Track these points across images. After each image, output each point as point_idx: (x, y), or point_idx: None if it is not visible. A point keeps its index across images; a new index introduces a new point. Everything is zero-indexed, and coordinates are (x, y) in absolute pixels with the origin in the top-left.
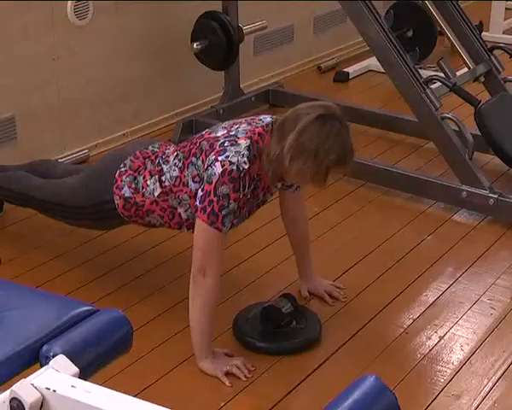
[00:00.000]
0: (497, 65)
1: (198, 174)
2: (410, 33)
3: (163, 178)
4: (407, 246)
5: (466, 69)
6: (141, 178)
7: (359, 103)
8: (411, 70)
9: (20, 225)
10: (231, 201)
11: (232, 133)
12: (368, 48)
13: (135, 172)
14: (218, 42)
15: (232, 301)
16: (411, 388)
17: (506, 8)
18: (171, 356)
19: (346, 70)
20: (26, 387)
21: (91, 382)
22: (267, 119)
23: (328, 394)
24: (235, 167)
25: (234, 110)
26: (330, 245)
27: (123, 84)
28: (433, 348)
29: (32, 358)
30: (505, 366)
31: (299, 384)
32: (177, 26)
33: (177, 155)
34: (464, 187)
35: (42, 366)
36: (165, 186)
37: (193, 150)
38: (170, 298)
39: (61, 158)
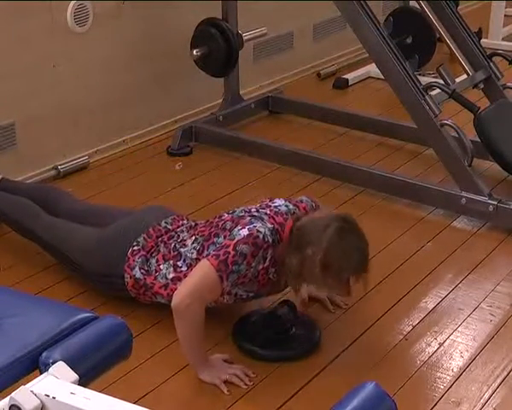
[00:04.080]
0: (497, 71)
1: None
2: (409, 40)
3: (179, 264)
4: (406, 252)
5: (465, 76)
6: (153, 260)
7: (359, 110)
8: (411, 77)
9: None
10: (245, 263)
11: (256, 214)
12: (367, 55)
13: (147, 253)
14: (218, 49)
15: (232, 307)
16: (411, 394)
17: (505, 15)
18: (171, 363)
19: (345, 77)
20: (26, 394)
21: (91, 389)
22: (282, 207)
23: (327, 400)
24: (261, 235)
25: (234, 117)
26: None
27: (122, 90)
28: (432, 354)
29: (32, 365)
30: (505, 373)
31: (298, 391)
32: (177, 32)
33: (195, 240)
34: (463, 194)
35: (41, 372)
36: (181, 271)
37: (213, 232)
38: (168, 306)
39: (61, 164)
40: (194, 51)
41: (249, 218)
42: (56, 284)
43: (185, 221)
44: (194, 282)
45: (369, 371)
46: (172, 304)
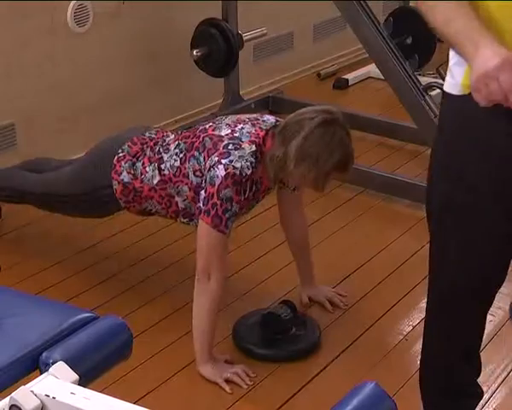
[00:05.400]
0: None
1: (200, 169)
2: (409, 40)
3: (162, 166)
4: (407, 252)
5: None
6: (139, 164)
7: (359, 110)
8: (410, 77)
9: (19, 232)
10: (234, 203)
11: (236, 135)
12: (367, 55)
13: (133, 157)
14: (218, 49)
15: (232, 307)
16: (411, 394)
17: None
18: (171, 363)
19: (345, 77)
20: (26, 394)
21: (91, 389)
22: (270, 120)
23: (327, 400)
24: (238, 172)
25: None
26: (330, 252)
27: (123, 90)
28: None
29: (32, 365)
30: (505, 374)
31: (298, 391)
32: (177, 33)
33: (178, 145)
34: None
35: (41, 372)
36: (165, 175)
37: (196, 144)
38: (169, 305)
39: None
40: (195, 51)
41: (227, 141)
42: (57, 284)
43: (169, 132)
44: (203, 252)
45: (369, 371)
46: (196, 279)
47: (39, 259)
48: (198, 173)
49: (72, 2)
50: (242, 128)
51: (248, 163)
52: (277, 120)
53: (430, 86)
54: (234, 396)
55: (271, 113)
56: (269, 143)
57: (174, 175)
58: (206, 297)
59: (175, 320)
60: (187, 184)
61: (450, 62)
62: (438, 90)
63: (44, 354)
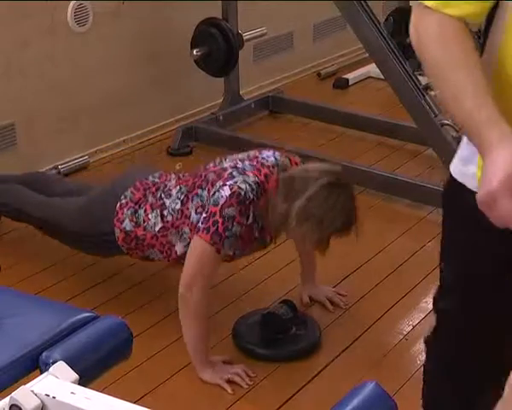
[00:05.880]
0: None
1: (202, 205)
2: (409, 40)
3: (165, 213)
4: (407, 252)
5: None
6: (142, 211)
7: (359, 110)
8: (411, 77)
9: (18, 233)
10: (235, 223)
11: (239, 166)
12: (367, 54)
13: (136, 204)
14: (218, 49)
15: (232, 307)
16: (411, 394)
17: None
18: (172, 363)
19: (345, 76)
20: (26, 393)
21: (91, 388)
22: (270, 158)
23: (328, 400)
24: (242, 192)
25: (234, 117)
26: (329, 252)
27: (123, 90)
28: None
29: (32, 364)
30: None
31: (298, 391)
32: (177, 32)
33: (180, 189)
34: None
35: (42, 372)
36: (167, 221)
37: (198, 183)
38: (169, 305)
39: (61, 164)
40: (195, 51)
41: (230, 170)
42: (56, 284)
43: (173, 175)
44: (193, 265)
45: (369, 371)
46: (179, 293)
47: (39, 259)
48: (199, 210)
49: (72, 2)
50: (244, 162)
51: (253, 188)
52: (276, 158)
53: (430, 86)
54: (234, 396)
55: (271, 112)
56: (272, 183)
57: (176, 219)
58: (191, 313)
59: (175, 320)
60: (188, 224)
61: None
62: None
63: (44, 354)
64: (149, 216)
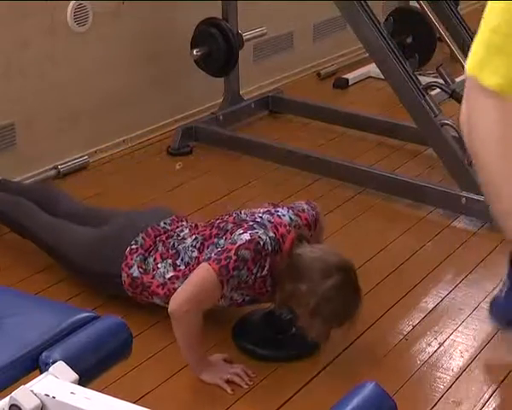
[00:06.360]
0: None
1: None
2: (409, 40)
3: (178, 262)
4: (406, 252)
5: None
6: (151, 259)
7: (359, 110)
8: (411, 77)
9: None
10: (246, 268)
11: (259, 220)
12: (367, 54)
13: (145, 251)
14: (218, 49)
15: (232, 307)
16: (411, 394)
17: None
18: (171, 363)
19: (345, 76)
20: (26, 393)
21: (91, 388)
22: (285, 217)
23: (327, 400)
24: (262, 242)
25: (234, 117)
26: None
27: (122, 90)
28: (432, 354)
29: (32, 364)
30: (505, 373)
31: (298, 391)
32: (177, 32)
33: (195, 239)
34: (464, 193)
35: (41, 372)
36: (180, 270)
37: (214, 232)
38: (166, 307)
39: (61, 164)
40: (195, 51)
41: (252, 223)
42: (56, 284)
43: (184, 223)
44: (192, 287)
45: (369, 371)
46: (170, 309)
47: (39, 259)
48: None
49: (71, 2)
50: (262, 216)
51: (271, 243)
52: (291, 218)
53: (430, 86)
54: (234, 396)
55: (271, 112)
56: (288, 243)
57: (190, 269)
58: (184, 326)
59: None
60: None
61: None
62: (438, 90)
63: (44, 354)
64: (159, 265)
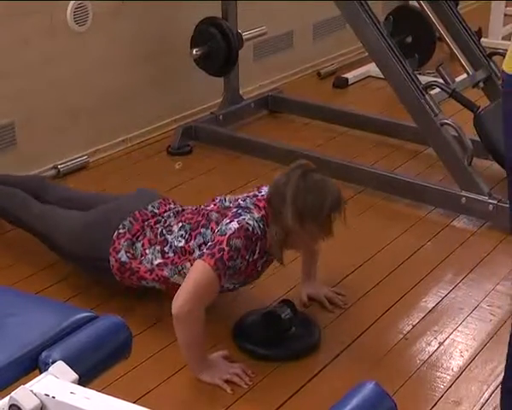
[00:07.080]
0: (496, 71)
1: (204, 242)
2: (409, 39)
3: (166, 249)
4: (406, 252)
5: (465, 75)
6: (139, 244)
7: (358, 109)
8: (410, 76)
9: (18, 232)
10: (240, 256)
11: (242, 204)
12: (367, 54)
13: (133, 236)
14: (218, 48)
15: (232, 307)
16: (411, 394)
17: (505, 15)
18: (171, 363)
19: (345, 76)
20: (26, 393)
21: (91, 388)
22: (266, 191)
23: (327, 400)
24: (250, 228)
25: (233, 116)
26: (329, 251)
27: (122, 90)
28: (432, 354)
29: (32, 364)
30: None
31: (298, 391)
32: (177, 32)
33: (182, 226)
34: (463, 193)
35: (41, 372)
36: (168, 257)
37: (201, 222)
38: (169, 304)
39: (61, 164)
40: (194, 51)
41: (236, 209)
42: (56, 284)
43: (172, 205)
44: (192, 286)
45: (369, 371)
46: (173, 311)
47: (39, 258)
48: (203, 247)
49: (71, 2)
50: (246, 200)
51: (259, 225)
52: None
53: (430, 85)
54: (234, 396)
55: (271, 112)
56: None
57: (178, 257)
58: (188, 327)
59: None
60: (190, 260)
61: None
62: (438, 90)
63: (44, 354)
64: (147, 251)
